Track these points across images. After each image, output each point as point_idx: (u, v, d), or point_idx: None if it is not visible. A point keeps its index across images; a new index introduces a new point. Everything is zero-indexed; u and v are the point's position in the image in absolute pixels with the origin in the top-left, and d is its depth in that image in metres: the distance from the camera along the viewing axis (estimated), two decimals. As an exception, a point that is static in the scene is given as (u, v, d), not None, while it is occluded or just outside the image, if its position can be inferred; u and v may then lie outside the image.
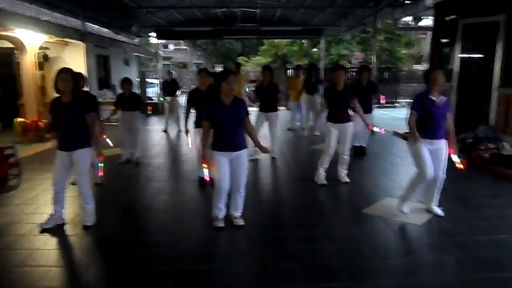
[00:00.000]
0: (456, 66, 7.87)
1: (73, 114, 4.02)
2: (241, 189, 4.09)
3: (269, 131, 7.10)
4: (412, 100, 4.33)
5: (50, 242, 3.93)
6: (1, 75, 10.72)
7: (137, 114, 7.01)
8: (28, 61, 9.58)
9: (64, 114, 4.02)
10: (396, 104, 17.20)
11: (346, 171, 5.70)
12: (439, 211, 4.36)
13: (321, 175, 5.59)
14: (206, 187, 5.20)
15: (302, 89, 9.69)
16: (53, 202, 4.18)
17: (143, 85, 15.93)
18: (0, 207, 4.87)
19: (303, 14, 12.23)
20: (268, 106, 6.92)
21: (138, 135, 7.14)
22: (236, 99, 3.96)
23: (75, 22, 10.61)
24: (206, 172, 3.94)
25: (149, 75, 23.38)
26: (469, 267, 3.31)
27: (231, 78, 3.79)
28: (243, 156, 4.00)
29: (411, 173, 6.16)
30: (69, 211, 4.65)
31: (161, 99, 13.83)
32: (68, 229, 4.21)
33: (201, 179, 5.46)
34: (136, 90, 15.75)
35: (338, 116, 5.43)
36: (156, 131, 10.61)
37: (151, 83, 17.86)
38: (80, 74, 5.63)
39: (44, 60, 10.70)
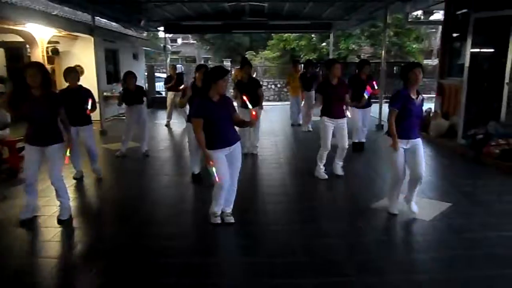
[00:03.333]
0: (467, 60, 7.78)
1: (44, 109, 3.99)
2: (235, 183, 4.09)
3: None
4: (391, 97, 4.26)
5: (61, 234, 3.99)
6: (12, 69, 10.83)
7: (143, 107, 7.03)
8: (39, 55, 9.65)
9: (35, 109, 3.98)
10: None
11: (341, 164, 5.73)
12: (415, 208, 4.29)
13: (321, 170, 5.65)
14: (200, 183, 5.31)
15: (299, 84, 9.66)
16: (26, 194, 4.20)
17: (152, 79, 15.99)
18: (12, 199, 4.94)
19: (312, 8, 12.11)
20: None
21: (146, 128, 7.18)
22: (223, 96, 3.92)
23: (84, 16, 10.65)
24: (214, 172, 3.77)
25: (158, 69, 23.50)
26: (479, 264, 3.29)
27: (227, 77, 3.80)
28: (238, 149, 4.01)
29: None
30: (80, 205, 4.72)
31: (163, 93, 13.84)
32: (80, 221, 4.27)
33: (195, 176, 5.61)
34: (145, 84, 15.88)
35: (333, 111, 5.45)
36: (164, 125, 10.65)
37: (160, 77, 17.91)
38: (71, 69, 5.65)
39: (54, 54, 10.79)
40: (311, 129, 9.46)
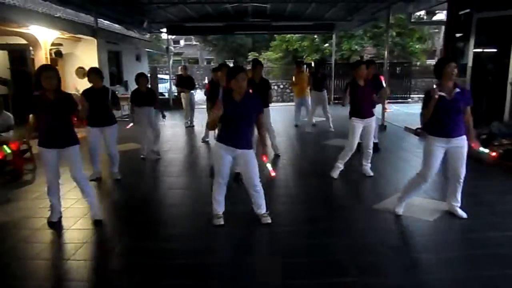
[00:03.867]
0: (470, 60, 7.77)
1: (59, 112, 3.99)
2: (256, 187, 4.02)
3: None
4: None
5: (64, 236, 4.01)
6: (15, 71, 10.90)
7: (152, 109, 7.03)
8: (42, 58, 9.70)
9: (52, 112, 3.97)
10: (409, 100, 17.04)
11: (369, 165, 5.81)
12: (462, 213, 4.17)
13: (338, 169, 5.69)
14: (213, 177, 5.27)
15: (308, 85, 9.69)
16: (48, 196, 4.20)
17: (155, 80, 16.06)
18: (16, 202, 4.97)
19: (315, 8, 12.13)
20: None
21: (158, 129, 7.20)
22: (248, 96, 3.92)
23: (87, 18, 10.71)
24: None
25: (161, 70, 23.53)
26: (483, 264, 3.28)
27: (240, 76, 3.76)
28: (249, 154, 3.95)
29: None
30: (82, 206, 4.74)
31: (175, 94, 13.95)
32: (82, 223, 4.28)
33: (212, 169, 5.55)
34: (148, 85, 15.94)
35: (361, 111, 5.50)
36: (167, 127, 10.66)
37: (163, 79, 17.98)
38: (94, 69, 5.69)
39: (57, 56, 10.84)
40: (332, 129, 9.54)
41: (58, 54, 10.93)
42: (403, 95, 17.03)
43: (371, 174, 5.76)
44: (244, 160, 3.96)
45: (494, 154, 3.96)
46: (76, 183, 4.23)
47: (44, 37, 9.63)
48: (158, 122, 7.22)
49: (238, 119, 3.86)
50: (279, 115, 12.36)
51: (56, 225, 4.18)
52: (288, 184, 5.63)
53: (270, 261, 3.44)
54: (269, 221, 4.11)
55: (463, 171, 4.06)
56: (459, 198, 4.20)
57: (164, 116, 7.31)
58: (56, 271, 3.35)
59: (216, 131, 4.07)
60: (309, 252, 3.56)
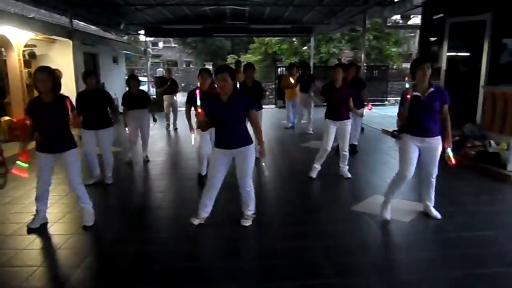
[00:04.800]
0: (443, 64, 7.95)
1: (56, 115, 3.88)
2: (247, 187, 4.04)
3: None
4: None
5: (37, 242, 3.89)
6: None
7: (145, 112, 6.85)
8: (15, 59, 9.44)
9: (47, 115, 3.86)
10: (385, 102, 17.34)
11: (347, 167, 5.87)
12: (436, 213, 4.26)
13: (315, 169, 5.78)
14: (204, 184, 5.20)
15: (296, 87, 9.78)
16: (36, 202, 4.11)
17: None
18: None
19: (293, 12, 12.23)
20: None
21: (148, 133, 7.04)
22: (235, 95, 3.89)
23: (62, 19, 10.47)
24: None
25: (139, 73, 23.24)
26: (456, 264, 3.35)
27: (219, 76, 3.76)
28: (246, 152, 3.92)
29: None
30: (57, 210, 4.62)
31: (154, 97, 13.82)
32: (56, 229, 4.17)
33: (200, 176, 5.60)
34: (125, 88, 15.71)
35: (337, 113, 5.56)
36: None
37: (141, 81, 17.76)
38: (90, 72, 5.62)
39: (31, 58, 10.56)
40: (311, 131, 9.58)
41: (32, 55, 10.64)
42: (380, 98, 17.32)
43: (349, 175, 5.81)
44: (241, 158, 3.93)
45: (453, 161, 4.02)
46: (71, 188, 4.14)
47: (16, 38, 9.36)
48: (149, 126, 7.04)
49: (227, 119, 3.83)
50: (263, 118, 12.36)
51: (36, 231, 4.05)
52: (266, 186, 5.63)
53: (249, 264, 3.43)
54: (247, 224, 4.12)
55: (435, 171, 4.15)
56: (433, 198, 4.30)
57: (155, 120, 7.15)
58: (27, 278, 3.25)
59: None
60: (287, 254, 3.56)
